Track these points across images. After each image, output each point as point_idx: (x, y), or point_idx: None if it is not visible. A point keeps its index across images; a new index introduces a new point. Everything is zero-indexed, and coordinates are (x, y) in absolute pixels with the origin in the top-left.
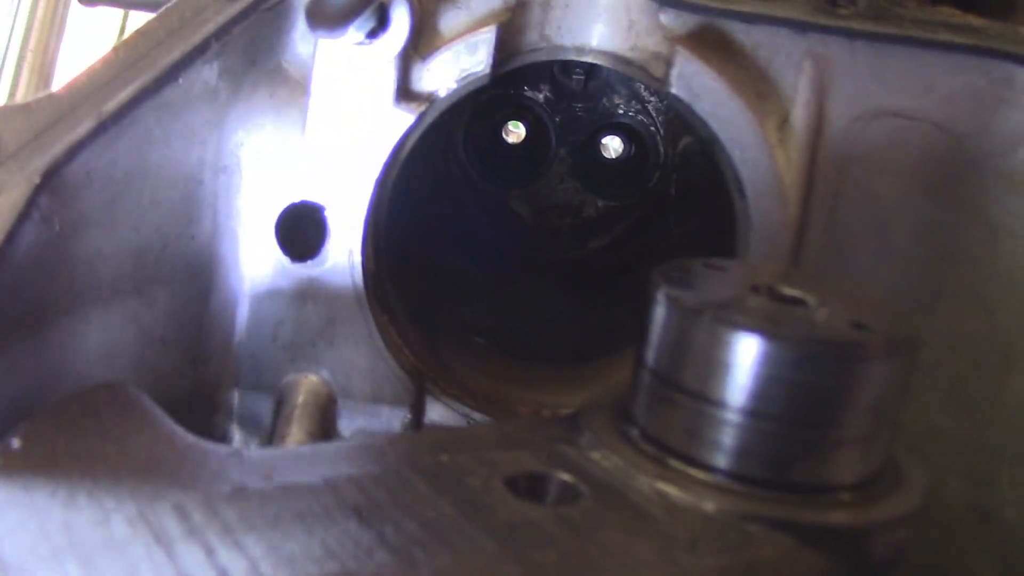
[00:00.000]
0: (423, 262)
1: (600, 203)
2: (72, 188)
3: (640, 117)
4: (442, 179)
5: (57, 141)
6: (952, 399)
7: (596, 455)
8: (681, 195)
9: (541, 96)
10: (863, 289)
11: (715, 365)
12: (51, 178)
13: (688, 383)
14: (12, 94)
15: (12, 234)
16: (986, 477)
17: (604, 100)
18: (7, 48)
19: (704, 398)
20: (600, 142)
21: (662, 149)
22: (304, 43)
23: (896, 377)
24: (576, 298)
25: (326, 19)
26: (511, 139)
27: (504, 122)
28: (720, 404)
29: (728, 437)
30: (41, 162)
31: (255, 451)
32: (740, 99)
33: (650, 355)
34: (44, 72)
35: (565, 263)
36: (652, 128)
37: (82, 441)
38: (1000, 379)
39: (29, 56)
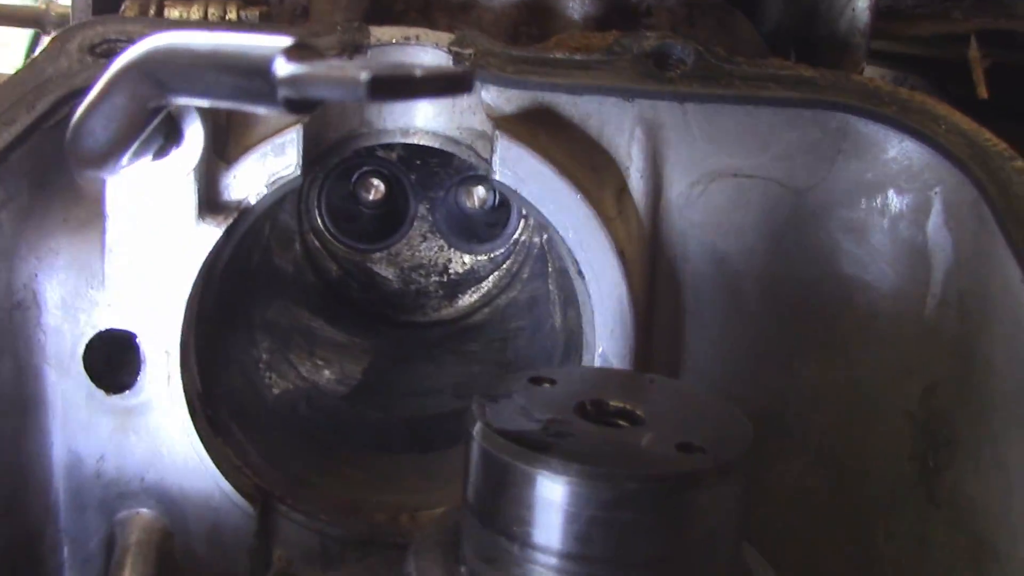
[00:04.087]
0: (283, 340)
1: (467, 258)
2: None
3: None
4: (296, 249)
5: None
6: (820, 456)
7: None
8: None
9: (394, 154)
10: (699, 394)
11: (533, 508)
12: None
13: (509, 527)
14: None
15: None
16: (862, 533)
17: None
18: None
19: (527, 543)
20: (460, 196)
21: None
22: None
23: (732, 496)
24: (446, 365)
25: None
26: (369, 197)
27: (360, 182)
28: (543, 549)
29: None
30: None
31: None
32: (568, 178)
33: (471, 493)
34: None
35: (434, 324)
36: None
37: None
38: (867, 429)
39: None
